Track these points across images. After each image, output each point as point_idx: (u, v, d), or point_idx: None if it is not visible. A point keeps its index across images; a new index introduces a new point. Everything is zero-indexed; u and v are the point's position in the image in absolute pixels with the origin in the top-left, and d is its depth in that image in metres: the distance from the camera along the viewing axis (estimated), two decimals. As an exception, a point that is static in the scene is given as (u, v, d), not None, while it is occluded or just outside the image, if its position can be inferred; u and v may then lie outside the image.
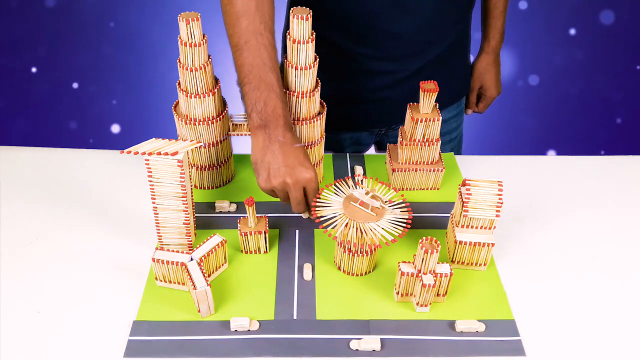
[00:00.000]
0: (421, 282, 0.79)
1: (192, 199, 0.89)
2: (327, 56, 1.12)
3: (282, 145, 0.89)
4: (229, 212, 1.01)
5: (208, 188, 1.06)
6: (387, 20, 1.08)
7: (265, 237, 0.90)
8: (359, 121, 1.24)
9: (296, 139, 0.91)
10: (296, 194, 0.89)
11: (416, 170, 1.04)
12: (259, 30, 0.89)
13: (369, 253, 0.86)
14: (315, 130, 0.99)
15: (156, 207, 0.87)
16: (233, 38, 0.91)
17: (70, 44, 2.46)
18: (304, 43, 0.89)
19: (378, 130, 1.28)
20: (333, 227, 0.82)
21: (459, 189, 0.89)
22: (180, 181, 0.84)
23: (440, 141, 1.02)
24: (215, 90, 0.96)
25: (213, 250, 0.85)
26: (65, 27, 2.44)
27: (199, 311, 0.81)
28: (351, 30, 1.10)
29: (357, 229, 0.82)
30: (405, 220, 0.83)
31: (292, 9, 0.89)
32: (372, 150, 1.38)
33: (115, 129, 2.54)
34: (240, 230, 0.90)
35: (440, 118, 0.99)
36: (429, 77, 1.13)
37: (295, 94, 0.94)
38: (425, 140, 1.01)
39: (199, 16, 0.88)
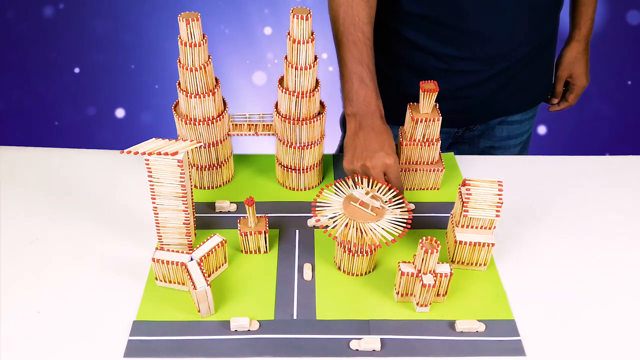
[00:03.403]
0: (421, 282, 0.79)
1: (192, 199, 0.90)
2: (410, 55, 1.14)
3: (369, 132, 0.96)
4: (229, 212, 1.01)
5: (208, 188, 1.06)
6: (476, 21, 1.08)
7: (265, 237, 0.90)
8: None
9: (385, 127, 0.98)
10: (376, 177, 0.93)
11: (416, 170, 1.04)
12: (349, 31, 1.01)
13: (369, 253, 0.86)
14: (315, 130, 0.99)
15: (156, 207, 0.87)
16: (334, 37, 1.04)
17: (70, 43, 2.46)
18: (304, 43, 0.89)
19: (455, 132, 1.28)
20: (333, 227, 0.82)
21: (459, 189, 0.89)
22: (180, 181, 0.84)
23: (440, 141, 1.02)
24: (215, 90, 0.96)
25: (213, 250, 0.85)
26: (65, 26, 2.44)
27: (199, 311, 0.81)
28: (438, 32, 1.10)
29: (357, 229, 0.82)
30: (405, 220, 0.83)
31: (292, 8, 0.89)
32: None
33: (115, 128, 2.54)
34: (240, 230, 0.90)
35: (440, 118, 0.99)
36: (512, 78, 1.12)
37: (295, 94, 0.94)
38: (425, 140, 1.01)
39: (199, 16, 0.88)
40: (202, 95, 0.94)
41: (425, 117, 0.98)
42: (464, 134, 1.29)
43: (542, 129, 2.51)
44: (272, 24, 2.50)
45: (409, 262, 0.83)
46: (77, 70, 2.49)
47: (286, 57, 0.94)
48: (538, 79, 1.26)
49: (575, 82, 1.31)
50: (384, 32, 1.14)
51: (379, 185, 0.88)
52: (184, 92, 0.94)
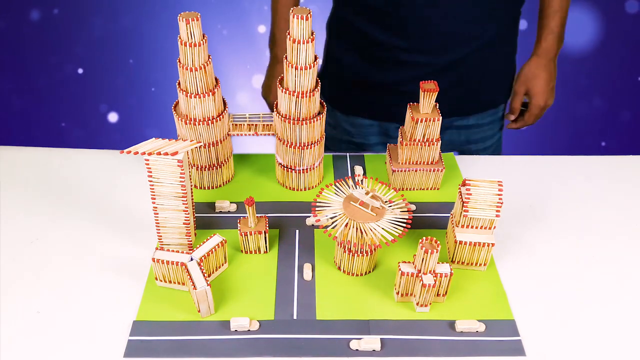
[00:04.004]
0: (421, 282, 0.79)
1: (192, 199, 0.89)
2: (358, 42, 1.14)
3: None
4: (229, 212, 1.01)
5: (208, 188, 1.06)
6: (412, 8, 1.06)
7: (265, 237, 0.90)
8: (387, 111, 1.21)
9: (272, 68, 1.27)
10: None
11: (416, 171, 1.04)
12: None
13: (369, 253, 0.86)
14: (315, 130, 0.99)
15: (156, 207, 0.87)
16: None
17: (70, 43, 2.46)
18: (304, 43, 0.89)
19: None
20: (333, 227, 0.82)
21: (459, 189, 0.89)
22: (180, 181, 0.84)
23: (440, 141, 1.02)
24: (215, 90, 0.96)
25: (213, 250, 0.85)
26: (65, 25, 2.44)
27: (199, 311, 0.81)
28: (379, 19, 1.09)
29: (357, 229, 0.82)
30: (405, 220, 0.83)
31: (292, 8, 0.89)
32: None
33: (115, 128, 2.54)
34: (240, 230, 0.90)
35: (440, 118, 0.99)
36: (462, 75, 1.09)
37: (295, 93, 0.94)
38: (425, 140, 1.01)
39: (198, 16, 0.88)
40: (202, 95, 0.94)
41: (425, 117, 0.98)
42: None
43: (541, 128, 2.52)
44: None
45: (409, 262, 0.83)
46: (80, 71, 2.49)
47: (286, 57, 0.94)
48: (492, 81, 1.20)
49: (531, 100, 1.23)
50: (337, 18, 1.15)
51: (379, 185, 0.88)
52: (184, 92, 0.94)
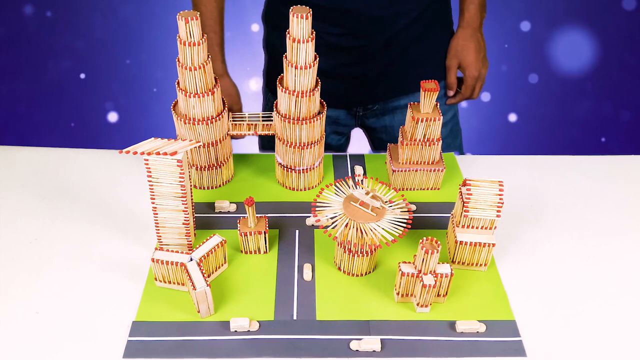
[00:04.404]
0: (421, 282, 0.79)
1: (191, 199, 0.89)
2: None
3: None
4: (228, 212, 1.01)
5: (208, 188, 1.06)
6: None
7: (265, 237, 0.90)
8: (332, 98, 1.21)
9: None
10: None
11: (417, 171, 1.04)
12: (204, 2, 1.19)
13: (369, 253, 0.86)
14: (315, 130, 0.99)
15: (155, 207, 0.87)
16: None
17: (70, 43, 2.46)
18: (303, 42, 0.89)
19: (356, 111, 1.27)
20: (333, 227, 0.82)
21: (460, 189, 0.88)
22: (180, 181, 0.84)
23: (441, 141, 1.02)
24: (215, 89, 0.95)
25: (213, 250, 0.85)
26: (65, 25, 2.44)
27: (198, 312, 0.81)
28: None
29: (357, 229, 0.82)
30: (405, 221, 0.83)
31: (292, 7, 0.88)
32: (363, 141, 1.38)
33: (114, 128, 2.54)
34: (240, 230, 0.89)
35: (442, 118, 0.99)
36: (398, 55, 1.09)
37: (295, 93, 0.94)
38: (425, 140, 1.01)
39: (198, 15, 0.87)
40: (201, 94, 0.94)
41: (426, 116, 0.98)
42: (367, 114, 1.27)
43: (542, 128, 2.51)
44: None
45: (410, 263, 0.83)
46: (82, 76, 2.48)
47: (286, 56, 0.93)
48: (428, 61, 1.20)
49: (464, 72, 1.23)
50: (270, 9, 1.16)
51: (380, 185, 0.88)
52: (183, 92, 0.94)
